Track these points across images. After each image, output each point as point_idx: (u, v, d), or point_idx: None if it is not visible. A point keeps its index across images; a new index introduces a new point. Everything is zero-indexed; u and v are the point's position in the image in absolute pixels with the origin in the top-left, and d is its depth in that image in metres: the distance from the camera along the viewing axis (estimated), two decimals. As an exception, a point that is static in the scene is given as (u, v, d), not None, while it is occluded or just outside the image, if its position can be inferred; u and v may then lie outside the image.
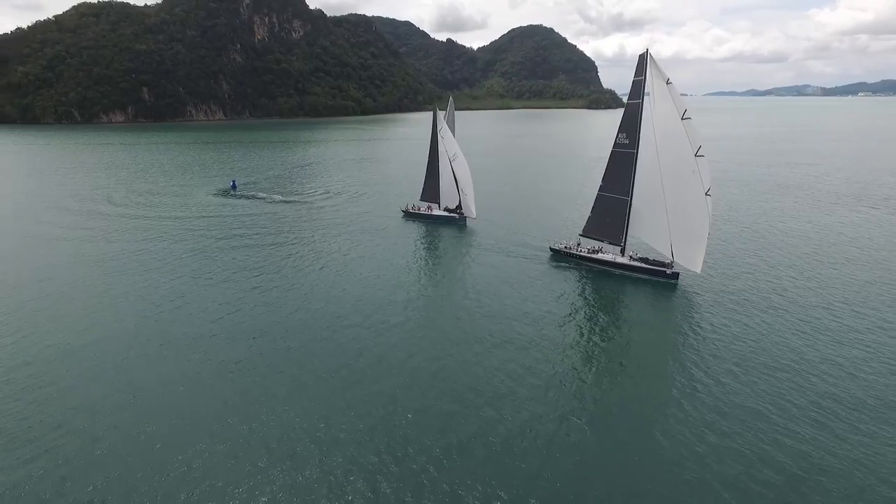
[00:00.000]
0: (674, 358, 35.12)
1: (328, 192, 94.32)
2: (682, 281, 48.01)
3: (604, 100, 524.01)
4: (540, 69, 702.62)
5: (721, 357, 34.73)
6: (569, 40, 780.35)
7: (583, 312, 42.84)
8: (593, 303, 45.08)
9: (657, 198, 48.63)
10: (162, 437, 27.13)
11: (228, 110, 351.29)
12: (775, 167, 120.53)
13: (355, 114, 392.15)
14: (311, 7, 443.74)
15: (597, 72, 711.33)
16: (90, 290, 46.93)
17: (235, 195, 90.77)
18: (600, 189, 54.60)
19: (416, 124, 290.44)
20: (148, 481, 24.15)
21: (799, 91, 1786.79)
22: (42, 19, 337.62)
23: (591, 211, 55.63)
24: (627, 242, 52.69)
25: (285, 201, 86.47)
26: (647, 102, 48.46)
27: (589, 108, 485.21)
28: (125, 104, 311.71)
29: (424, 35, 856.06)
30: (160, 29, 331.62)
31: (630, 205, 51.51)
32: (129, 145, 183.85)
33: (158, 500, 23.09)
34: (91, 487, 23.88)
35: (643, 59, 48.63)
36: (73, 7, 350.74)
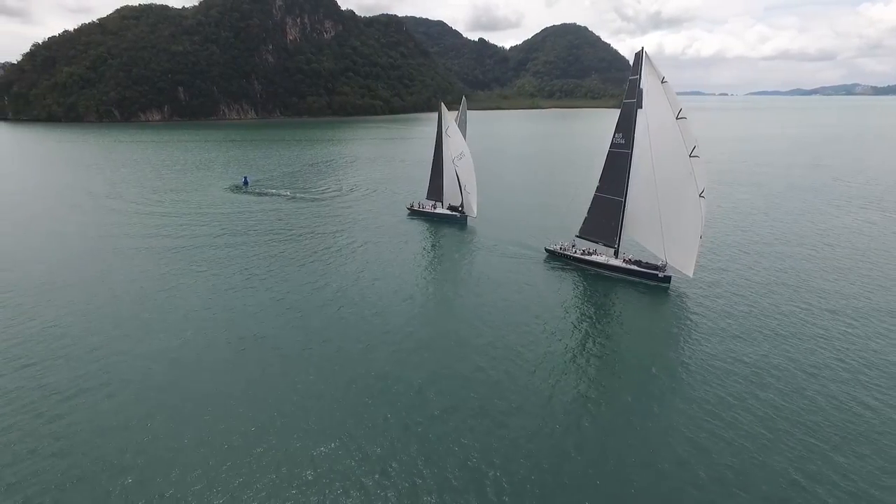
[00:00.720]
0: (652, 366, 33.53)
1: (338, 189, 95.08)
2: (674, 285, 46.23)
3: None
4: (572, 68, 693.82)
5: (704, 367, 33.06)
6: (604, 39, 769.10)
7: (568, 315, 41.49)
8: (580, 305, 43.75)
9: (651, 199, 47.21)
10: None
11: (260, 109, 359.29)
12: (795, 168, 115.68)
13: (383, 113, 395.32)
14: (345, 8, 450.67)
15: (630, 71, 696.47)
16: (93, 281, 48.40)
17: (246, 191, 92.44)
18: (597, 190, 53.58)
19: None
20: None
21: (848, 90, 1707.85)
22: (87, 22, 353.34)
23: (588, 212, 54.61)
24: (622, 244, 51.34)
25: (292, 197, 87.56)
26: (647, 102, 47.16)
27: (620, 107, 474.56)
28: (162, 103, 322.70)
29: (457, 34, 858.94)
30: (196, 30, 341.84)
31: (624, 206, 50.23)
32: (159, 143, 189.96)
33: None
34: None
35: (639, 58, 47.49)
36: (116, 10, 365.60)
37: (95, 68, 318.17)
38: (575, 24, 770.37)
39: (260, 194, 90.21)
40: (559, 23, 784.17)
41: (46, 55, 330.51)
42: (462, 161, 69.19)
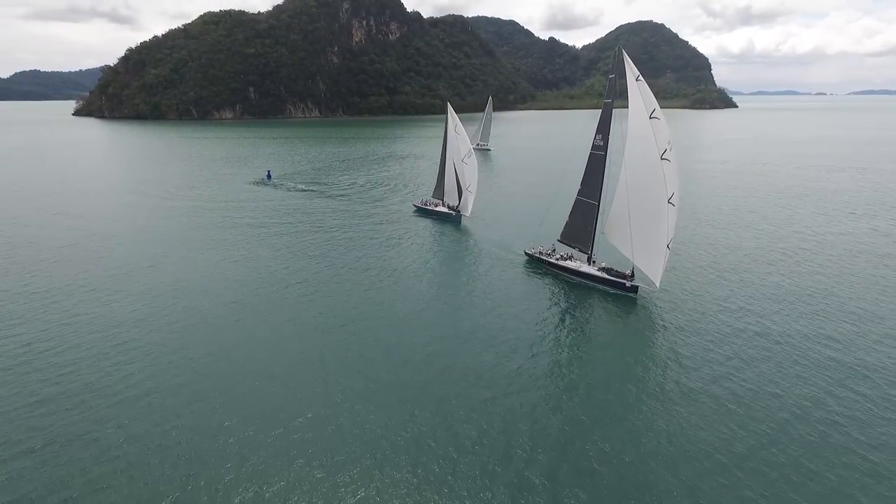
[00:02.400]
0: (602, 385, 30.43)
1: (358, 185, 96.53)
2: (641, 296, 42.39)
3: (708, 99, 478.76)
4: (646, 67, 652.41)
5: (658, 387, 29.97)
6: (687, 36, 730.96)
7: (528, 322, 38.56)
8: (540, 312, 40.59)
9: (624, 204, 43.97)
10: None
11: (324, 108, 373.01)
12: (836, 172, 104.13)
13: (442, 112, 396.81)
14: (417, 9, 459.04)
15: (710, 69, 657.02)
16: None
17: (269, 184, 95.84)
18: (578, 193, 50.57)
19: (493, 123, 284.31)
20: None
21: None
22: (173, 27, 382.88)
23: (569, 216, 51.71)
24: (598, 250, 48.00)
25: (309, 191, 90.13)
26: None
27: (692, 108, 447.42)
28: (234, 102, 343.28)
29: (528, 34, 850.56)
30: (268, 34, 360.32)
31: (598, 210, 47.11)
32: (218, 139, 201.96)
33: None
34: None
35: (616, 56, 45.22)
36: (200, 16, 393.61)
37: (178, 70, 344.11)
38: (652, 21, 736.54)
39: (279, 187, 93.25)
40: (637, 20, 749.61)
41: (137, 58, 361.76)
42: (469, 160, 68.81)
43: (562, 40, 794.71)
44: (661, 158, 40.63)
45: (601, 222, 46.96)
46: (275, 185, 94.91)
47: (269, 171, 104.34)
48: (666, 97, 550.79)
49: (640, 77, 42.73)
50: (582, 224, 49.36)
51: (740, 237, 60.70)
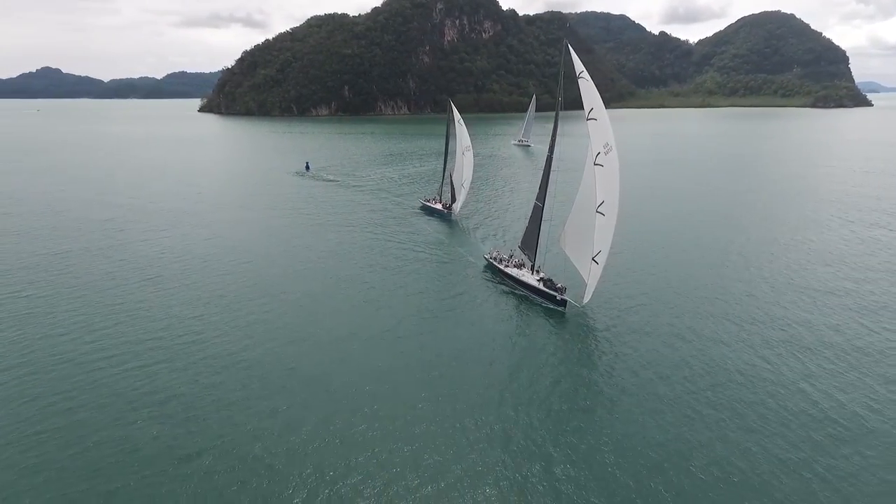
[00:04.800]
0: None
1: (387, 179, 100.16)
2: (569, 311, 39.96)
3: (835, 97, 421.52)
4: (768, 62, 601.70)
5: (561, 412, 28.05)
6: (828, 27, 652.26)
7: (456, 329, 37.77)
8: (474, 321, 39.07)
9: (569, 212, 42.48)
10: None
11: (412, 106, 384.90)
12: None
13: (543, 110, 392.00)
14: (525, 6, 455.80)
15: (846, 63, 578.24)
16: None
17: (306, 175, 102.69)
18: (536, 197, 48.65)
19: (567, 121, 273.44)
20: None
21: None
22: (281, 32, 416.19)
23: (528, 221, 49.83)
24: (542, 259, 45.92)
25: (336, 182, 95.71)
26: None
27: (814, 106, 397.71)
28: (330, 100, 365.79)
29: (639, 28, 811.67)
30: (364, 35, 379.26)
31: (541, 216, 45.41)
32: (299, 133, 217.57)
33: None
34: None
35: (563, 50, 42.17)
36: (307, 20, 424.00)
37: (283, 70, 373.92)
38: (780, 11, 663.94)
39: (314, 178, 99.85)
40: (761, 11, 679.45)
41: (251, 60, 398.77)
42: (468, 154, 68.72)
43: (681, 35, 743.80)
44: (594, 164, 38.29)
45: (546, 230, 45.22)
46: (312, 177, 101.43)
47: (307, 163, 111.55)
48: (784, 95, 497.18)
49: (584, 73, 40.23)
50: (531, 230, 47.72)
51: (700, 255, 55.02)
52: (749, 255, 53.36)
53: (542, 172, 47.50)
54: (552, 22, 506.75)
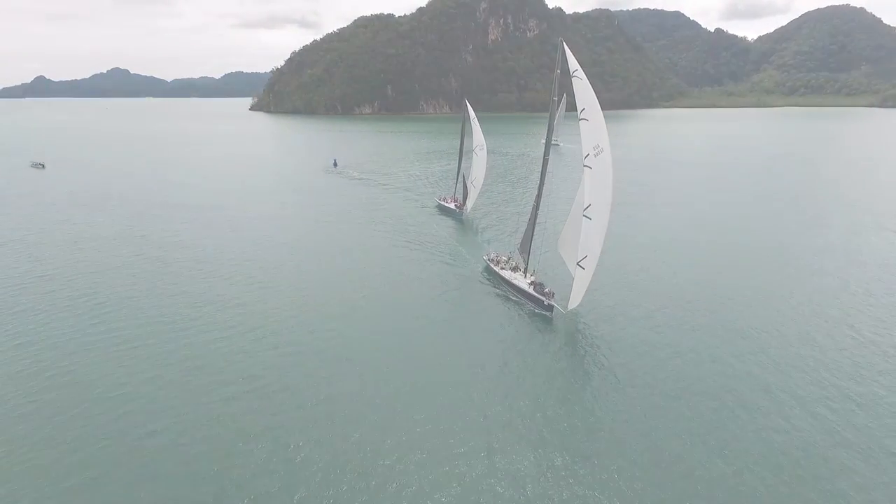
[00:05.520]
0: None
1: (412, 176, 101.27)
2: (555, 316, 39.06)
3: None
4: (833, 60, 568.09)
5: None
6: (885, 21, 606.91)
7: (448, 331, 37.78)
8: (465, 325, 38.90)
9: (569, 215, 42.40)
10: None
11: (454, 105, 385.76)
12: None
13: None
14: (578, 3, 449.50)
15: None
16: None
17: (333, 172, 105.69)
18: (535, 199, 48.41)
19: (611, 120, 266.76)
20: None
21: None
22: (329, 32, 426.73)
23: (528, 223, 49.69)
24: (535, 261, 45.93)
25: (360, 179, 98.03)
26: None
27: (881, 106, 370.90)
28: (373, 99, 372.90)
29: (693, 25, 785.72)
30: (408, 35, 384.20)
31: (535, 218, 45.26)
32: (339, 132, 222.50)
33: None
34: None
35: (559, 49, 41.71)
36: (354, 21, 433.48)
37: (329, 70, 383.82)
38: (848, 5, 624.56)
39: (339, 174, 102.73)
40: (831, 4, 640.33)
41: (299, 60, 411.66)
42: (480, 152, 68.69)
43: (741, 32, 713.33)
44: (583, 165, 37.75)
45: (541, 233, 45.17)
46: (338, 174, 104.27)
47: (335, 160, 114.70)
48: (849, 93, 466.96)
49: (578, 72, 39.56)
50: (527, 233, 47.60)
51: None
52: (790, 267, 51.34)
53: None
54: (599, 20, 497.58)
